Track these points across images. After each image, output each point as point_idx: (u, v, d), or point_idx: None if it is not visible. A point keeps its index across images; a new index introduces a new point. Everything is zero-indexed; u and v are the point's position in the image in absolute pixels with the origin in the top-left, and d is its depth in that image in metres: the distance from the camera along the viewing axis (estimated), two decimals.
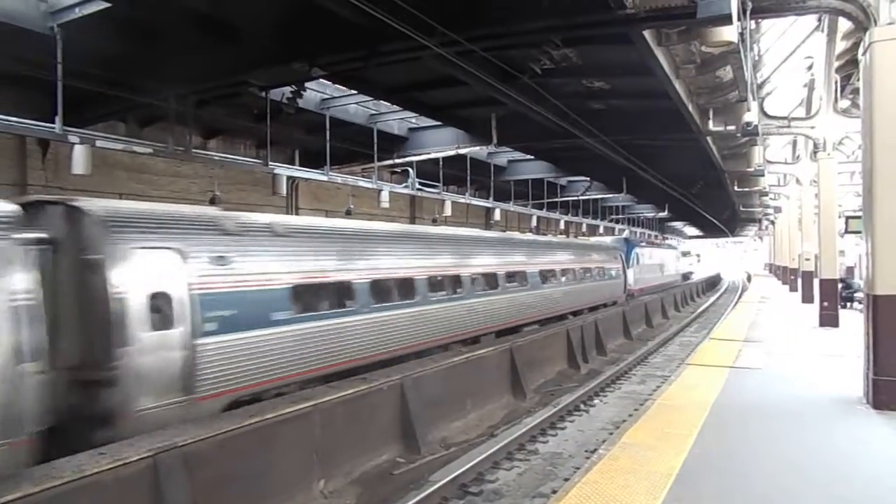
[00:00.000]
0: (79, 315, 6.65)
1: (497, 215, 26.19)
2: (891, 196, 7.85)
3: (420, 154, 18.34)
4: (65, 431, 5.98)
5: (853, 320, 16.00)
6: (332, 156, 16.13)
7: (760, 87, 18.22)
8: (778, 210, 39.95)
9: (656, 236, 53.69)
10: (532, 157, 23.35)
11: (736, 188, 28.02)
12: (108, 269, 6.61)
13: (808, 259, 24.67)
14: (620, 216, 41.93)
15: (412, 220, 24.95)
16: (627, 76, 12.51)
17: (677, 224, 64.65)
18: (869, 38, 8.10)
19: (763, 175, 23.32)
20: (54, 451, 5.47)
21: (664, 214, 42.76)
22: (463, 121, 16.13)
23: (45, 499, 4.66)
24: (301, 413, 7.13)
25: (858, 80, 10.20)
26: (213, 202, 14.67)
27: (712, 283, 56.39)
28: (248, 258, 8.21)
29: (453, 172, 21.83)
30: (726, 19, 7.74)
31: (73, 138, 10.79)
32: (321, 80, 12.79)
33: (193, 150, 13.53)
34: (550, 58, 10.10)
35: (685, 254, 65.41)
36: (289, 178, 16.16)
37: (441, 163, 19.88)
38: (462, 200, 23.76)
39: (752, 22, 11.05)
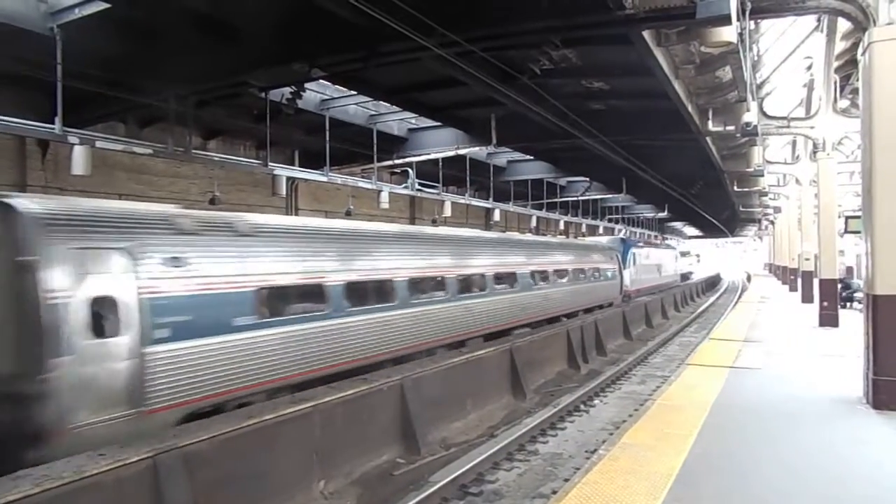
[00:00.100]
0: (10, 322, 6.20)
1: (497, 216, 26.20)
2: (890, 196, 7.85)
3: (420, 155, 18.36)
4: None
5: (853, 320, 16.00)
6: (331, 156, 16.15)
7: (760, 87, 18.23)
8: (777, 210, 39.98)
9: (656, 237, 53.67)
10: (531, 157, 23.36)
11: (735, 188, 28.03)
12: (42, 272, 6.10)
13: (807, 259, 24.69)
14: (618, 216, 41.81)
15: (412, 221, 24.96)
16: (627, 76, 12.52)
17: (677, 224, 64.72)
18: (868, 38, 8.10)
19: (762, 175, 23.33)
20: None
21: (664, 215, 42.79)
22: (462, 121, 16.14)
23: (45, 499, 4.65)
24: (301, 413, 7.12)
25: (858, 80, 10.20)
26: (212, 203, 14.71)
27: (712, 283, 56.38)
28: (208, 259, 7.70)
29: (453, 173, 21.84)
30: (725, 20, 7.76)
31: (72, 139, 10.80)
32: (321, 80, 12.80)
33: (193, 151, 13.54)
34: (550, 58, 10.10)
35: (684, 254, 65.35)
36: (288, 178, 16.17)
37: (441, 163, 19.90)
38: (462, 201, 23.78)
39: (752, 22, 11.07)
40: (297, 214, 18.59)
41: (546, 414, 10.48)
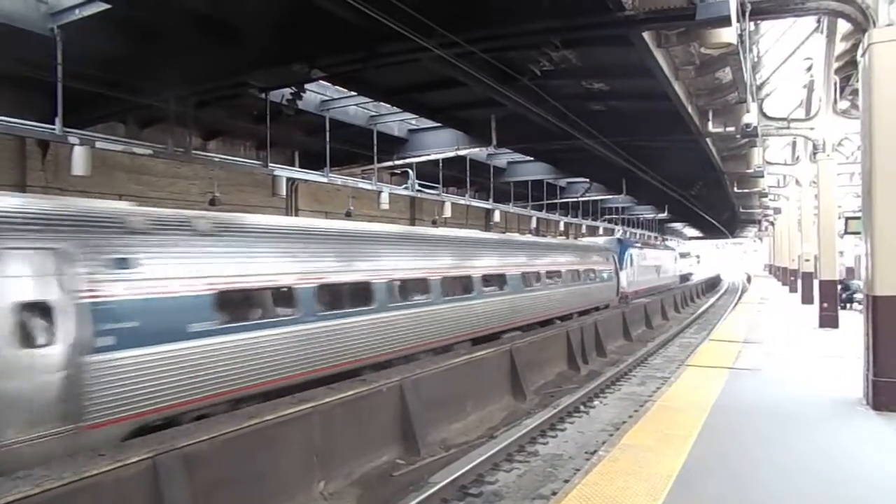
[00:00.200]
0: None
1: (497, 217, 26.19)
2: (890, 197, 7.85)
3: (420, 155, 18.35)
4: None
5: (853, 321, 16.00)
6: (331, 157, 16.14)
7: (760, 88, 18.25)
8: (777, 211, 39.99)
9: (656, 237, 53.64)
10: (532, 158, 23.34)
11: (735, 189, 28.03)
12: None
13: (807, 260, 24.68)
14: (617, 216, 41.71)
15: (412, 222, 24.97)
16: (627, 78, 12.53)
17: (677, 225, 64.66)
18: (868, 39, 8.11)
19: (762, 176, 23.28)
20: None
21: (664, 216, 42.74)
22: (462, 122, 16.14)
23: (45, 500, 4.65)
24: (301, 414, 7.12)
25: (857, 81, 10.20)
26: (212, 203, 14.70)
27: (712, 284, 56.43)
28: (161, 260, 7.21)
29: (453, 174, 21.84)
30: (725, 21, 7.76)
31: (72, 139, 10.80)
32: (321, 81, 12.79)
33: (193, 152, 13.53)
34: (550, 59, 10.10)
35: (683, 255, 65.27)
36: (288, 179, 16.16)
37: (441, 164, 19.89)
38: (462, 202, 23.77)
39: (752, 23, 11.08)
40: (297, 215, 18.60)
41: (546, 415, 10.49)
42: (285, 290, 8.89)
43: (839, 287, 19.13)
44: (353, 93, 14.32)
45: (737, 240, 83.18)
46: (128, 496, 5.28)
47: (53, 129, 10.40)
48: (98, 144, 11.32)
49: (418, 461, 8.47)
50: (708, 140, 17.41)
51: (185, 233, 7.74)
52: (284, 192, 16.15)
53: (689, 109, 14.04)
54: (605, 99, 14.21)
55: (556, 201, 30.84)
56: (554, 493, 6.47)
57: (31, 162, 13.02)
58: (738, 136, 15.80)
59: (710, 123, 15.62)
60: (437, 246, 13.86)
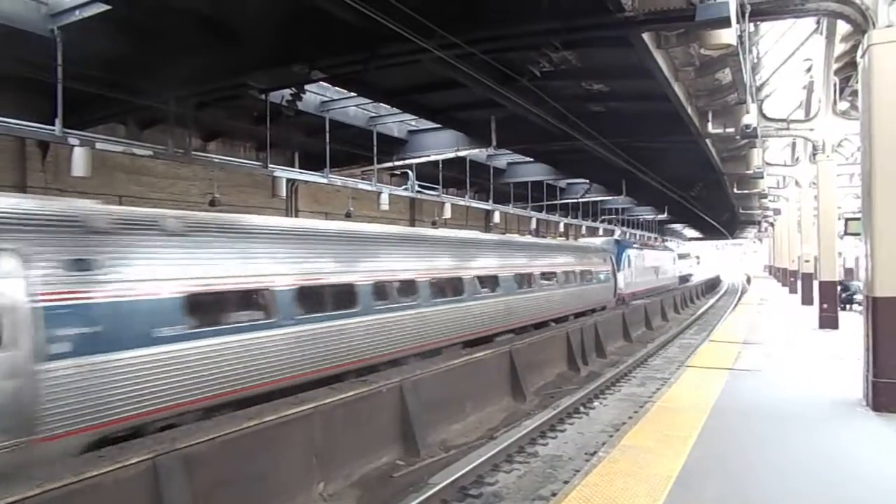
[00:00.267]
0: None
1: (497, 218, 26.20)
2: (890, 198, 7.85)
3: (420, 156, 18.36)
4: None
5: (853, 322, 16.00)
6: (331, 158, 16.15)
7: (759, 89, 18.26)
8: (777, 212, 40.00)
9: (656, 239, 53.63)
10: (531, 159, 23.35)
11: (735, 190, 28.06)
12: None
13: (807, 261, 24.69)
14: (616, 216, 41.63)
15: (412, 223, 24.97)
16: (626, 79, 12.54)
17: (677, 226, 64.68)
18: (867, 40, 8.11)
19: (762, 177, 23.30)
20: None
21: (664, 217, 42.73)
22: (462, 123, 16.15)
23: (44, 501, 4.65)
24: (301, 415, 7.12)
25: (857, 82, 10.21)
26: (212, 204, 14.71)
27: (712, 285, 56.45)
28: (126, 262, 6.85)
29: (453, 175, 21.85)
30: (725, 22, 7.78)
31: (72, 140, 10.80)
32: (321, 82, 12.80)
33: (193, 153, 13.53)
34: (550, 60, 10.12)
35: (682, 256, 65.17)
36: (288, 180, 16.18)
37: (441, 165, 19.89)
38: (462, 203, 23.77)
39: (751, 24, 11.09)
40: (296, 216, 18.60)
41: (546, 416, 10.48)
42: (262, 292, 8.53)
43: (839, 288, 19.13)
44: (353, 94, 14.33)
45: (736, 241, 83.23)
46: (128, 497, 5.27)
47: (53, 130, 10.40)
48: (98, 145, 11.32)
49: (418, 462, 8.47)
50: (707, 141, 17.43)
51: (153, 233, 7.36)
52: (284, 193, 16.18)
53: (689, 110, 14.06)
54: (604, 100, 14.23)
55: (555, 202, 30.84)
56: (554, 495, 6.47)
57: (31, 163, 13.02)
58: (738, 137, 15.83)
59: (709, 124, 15.63)
60: (426, 247, 13.55)
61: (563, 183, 30.09)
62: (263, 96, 12.48)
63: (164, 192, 15.55)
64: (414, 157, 18.47)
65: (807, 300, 23.82)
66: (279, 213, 17.82)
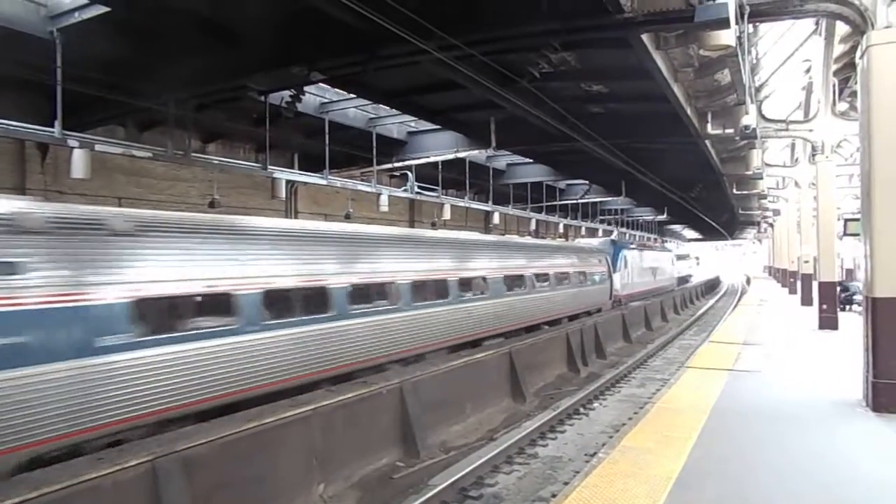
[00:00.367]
0: None
1: (496, 219, 26.21)
2: (889, 198, 7.86)
3: (419, 158, 18.37)
4: None
5: (852, 323, 16.01)
6: (331, 159, 16.17)
7: (758, 90, 18.29)
8: (777, 213, 40.03)
9: (655, 239, 53.61)
10: (531, 160, 23.37)
11: (734, 191, 28.06)
12: None
13: (807, 262, 24.70)
14: (614, 217, 41.52)
15: (411, 224, 24.97)
16: (626, 80, 12.55)
17: (676, 227, 64.71)
18: (866, 41, 8.12)
19: (761, 178, 23.34)
20: None
21: (663, 217, 42.73)
22: (462, 124, 16.16)
23: (43, 503, 4.65)
24: (301, 417, 7.12)
25: (856, 83, 10.22)
26: (212, 206, 14.70)
27: (711, 285, 56.49)
28: (63, 264, 6.33)
29: (452, 176, 21.86)
30: (724, 23, 7.79)
31: (72, 142, 10.80)
32: (320, 84, 12.81)
33: (193, 154, 13.53)
34: (549, 61, 10.12)
35: (681, 256, 65.02)
36: (288, 181, 16.17)
37: (440, 166, 19.90)
38: (461, 204, 23.77)
39: (750, 25, 11.11)
40: (296, 217, 18.60)
41: (546, 417, 10.48)
42: (224, 296, 7.96)
43: (838, 289, 19.13)
44: (352, 95, 14.33)
45: (736, 241, 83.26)
46: (127, 500, 5.27)
47: (53, 132, 10.40)
48: (97, 147, 11.31)
49: (418, 463, 8.47)
50: (707, 142, 17.42)
51: (97, 233, 6.82)
52: (284, 195, 16.15)
53: (688, 111, 14.06)
54: (604, 101, 14.24)
55: (555, 203, 30.84)
56: (554, 496, 6.46)
57: (30, 165, 13.02)
58: (737, 137, 15.84)
59: (709, 125, 15.63)
60: (407, 248, 12.94)
61: (562, 184, 30.09)
62: (263, 98, 12.49)
63: (164, 193, 15.55)
64: (413, 159, 18.48)
65: (806, 301, 23.83)
66: (279, 215, 17.83)
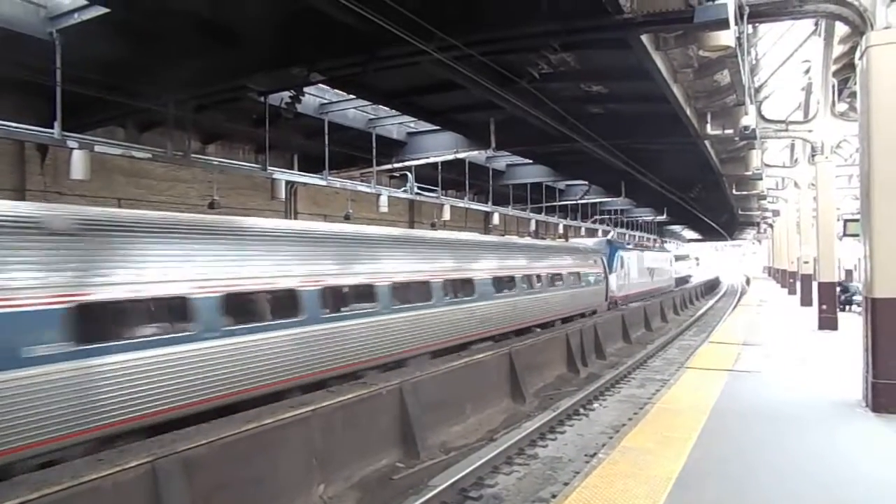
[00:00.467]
0: None
1: (496, 219, 26.22)
2: (888, 199, 7.86)
3: (419, 158, 18.38)
4: None
5: (852, 323, 16.01)
6: (330, 160, 16.17)
7: (758, 90, 18.28)
8: (776, 213, 40.04)
9: (655, 240, 53.60)
10: (531, 160, 23.39)
11: (734, 191, 28.08)
12: None
13: (806, 262, 24.71)
14: (610, 217, 41.35)
15: (411, 225, 24.97)
16: (625, 80, 12.56)
17: (676, 228, 64.74)
18: (865, 42, 8.13)
19: (761, 178, 23.35)
20: None
21: (663, 218, 42.74)
22: (461, 125, 16.17)
23: None
24: (300, 418, 7.12)
25: (855, 83, 10.23)
26: (212, 206, 14.71)
27: (711, 286, 56.52)
28: None
29: (452, 177, 21.86)
30: (723, 24, 7.79)
31: (71, 143, 10.79)
32: (320, 84, 12.81)
33: (192, 155, 13.54)
34: (549, 62, 10.12)
35: (680, 257, 64.95)
36: (287, 182, 16.17)
37: (440, 167, 19.91)
38: (461, 205, 23.78)
39: (750, 26, 11.11)
40: (296, 218, 18.61)
41: (545, 418, 10.48)
42: (178, 300, 7.39)
43: (838, 289, 19.14)
44: (351, 96, 14.33)
45: (736, 242, 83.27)
46: (127, 501, 5.27)
47: (52, 133, 10.40)
48: (97, 148, 11.31)
49: (418, 464, 8.47)
50: (706, 142, 17.43)
51: (25, 233, 6.27)
52: (283, 196, 16.16)
53: (688, 112, 14.07)
54: (603, 101, 14.25)
55: (555, 204, 30.85)
56: (554, 496, 6.46)
57: (30, 166, 13.02)
58: (737, 138, 15.85)
59: (708, 126, 15.63)
60: (387, 248, 12.26)
61: (562, 184, 30.11)
62: (262, 99, 12.49)
63: (164, 194, 15.55)
64: (413, 159, 18.49)
65: (806, 301, 23.83)
66: (278, 216, 17.83)
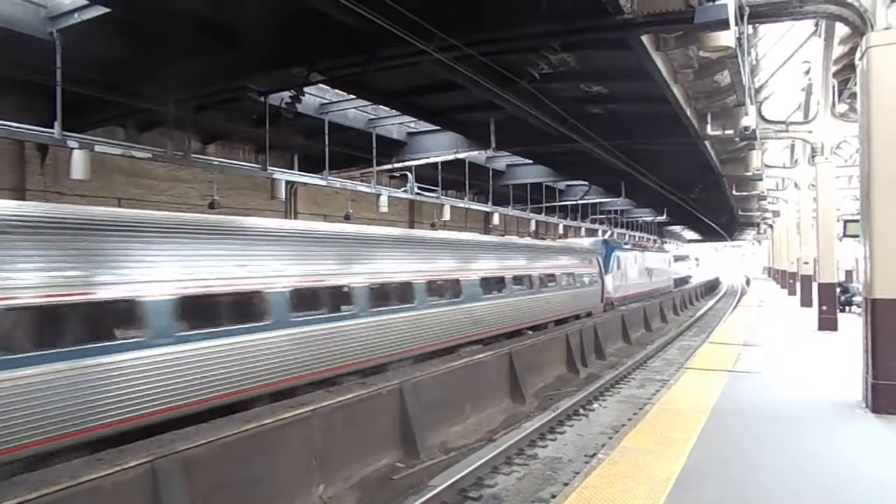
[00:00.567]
0: None
1: (496, 219, 26.22)
2: (889, 200, 7.86)
3: (419, 158, 18.38)
4: None
5: (852, 324, 16.00)
6: (331, 160, 16.17)
7: (758, 91, 18.28)
8: (776, 214, 40.03)
9: (655, 240, 53.59)
10: (531, 161, 23.39)
11: (734, 192, 28.08)
12: None
13: (806, 263, 24.70)
14: (608, 216, 41.25)
15: (411, 225, 24.97)
16: (625, 81, 12.56)
17: (676, 228, 64.76)
18: (866, 42, 8.13)
19: (761, 179, 23.35)
20: None
21: (663, 218, 42.73)
22: (462, 125, 16.17)
23: None
24: (300, 418, 7.12)
25: (856, 84, 10.22)
26: (212, 206, 14.71)
27: (711, 286, 56.56)
28: None
29: (452, 177, 21.86)
30: (724, 24, 7.79)
31: (72, 143, 10.79)
32: (320, 84, 12.81)
33: (192, 155, 13.54)
34: (549, 62, 10.12)
35: (679, 258, 64.82)
36: (288, 182, 16.17)
37: (440, 167, 19.91)
38: (461, 205, 23.78)
39: (750, 27, 11.11)
40: (296, 218, 18.60)
41: (545, 418, 10.49)
42: (121, 304, 6.82)
43: (838, 290, 19.13)
44: (352, 96, 14.34)
45: (736, 243, 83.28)
46: (126, 501, 5.27)
47: (52, 133, 10.40)
48: (97, 148, 11.31)
49: (418, 464, 8.47)
50: (706, 143, 17.43)
51: None
52: (284, 196, 16.16)
53: (688, 112, 14.07)
54: (603, 102, 14.24)
55: (555, 204, 30.85)
56: (553, 497, 6.46)
57: (30, 166, 13.02)
58: (737, 139, 15.84)
59: (708, 126, 15.63)
60: (364, 247, 11.51)
61: (562, 185, 30.11)
62: (262, 99, 12.49)
63: (164, 194, 15.55)
64: (413, 159, 18.49)
65: (806, 302, 23.82)
66: (278, 216, 17.83)
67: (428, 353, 11.98)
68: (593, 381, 14.13)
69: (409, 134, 18.30)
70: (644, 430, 7.31)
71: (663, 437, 6.94)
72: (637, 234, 47.39)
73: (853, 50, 10.17)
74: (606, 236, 36.22)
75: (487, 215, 26.76)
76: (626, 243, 36.33)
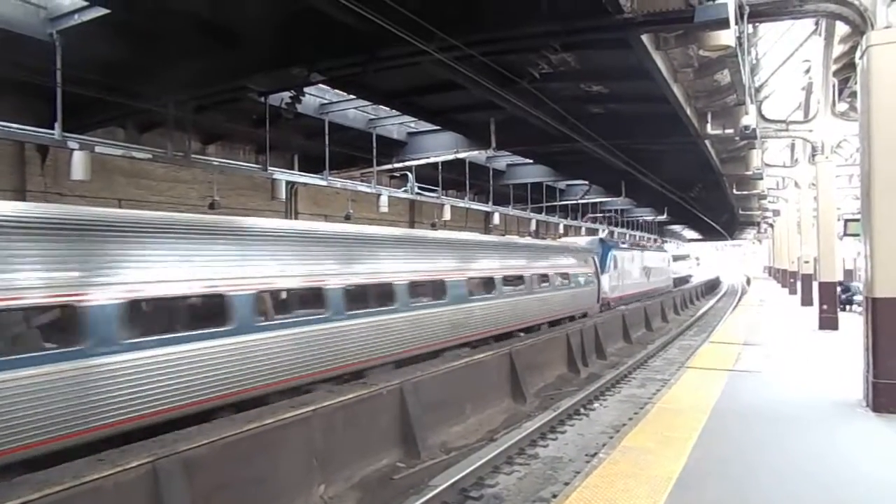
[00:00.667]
0: None
1: (496, 219, 26.23)
2: (889, 199, 7.86)
3: (419, 158, 18.40)
4: None
5: (852, 323, 16.00)
6: (331, 160, 16.18)
7: (758, 90, 18.30)
8: (777, 213, 40.03)
9: (655, 240, 53.58)
10: (531, 160, 23.40)
11: (734, 191, 28.08)
12: None
13: (807, 262, 24.70)
14: (606, 215, 41.04)
15: (411, 225, 24.97)
16: (626, 80, 12.56)
17: (676, 227, 64.74)
18: (866, 41, 8.13)
19: (761, 178, 23.36)
20: None
21: (663, 218, 42.70)
22: (462, 125, 16.17)
23: None
24: (301, 418, 7.12)
25: (856, 83, 10.23)
26: (212, 207, 14.71)
27: (711, 286, 56.56)
28: None
29: (452, 177, 21.87)
30: (724, 23, 7.80)
31: (72, 144, 10.80)
32: (320, 84, 12.82)
33: (192, 156, 13.55)
34: (549, 62, 10.12)
35: (679, 257, 64.65)
36: (288, 182, 16.18)
37: (440, 167, 19.92)
38: (461, 204, 23.79)
39: (750, 26, 11.12)
40: (296, 218, 18.61)
41: (546, 417, 10.48)
42: (71, 308, 6.31)
43: (839, 289, 19.14)
44: (352, 96, 14.34)
45: (736, 242, 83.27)
46: (128, 501, 5.28)
47: (53, 134, 10.41)
48: (97, 149, 11.32)
49: (418, 464, 8.47)
50: (707, 142, 17.44)
51: None
52: (284, 196, 16.17)
53: (688, 111, 14.07)
54: (604, 101, 14.25)
55: (555, 204, 30.84)
56: (554, 496, 6.46)
57: (30, 167, 13.02)
58: (737, 138, 15.86)
59: (708, 125, 15.64)
60: (340, 246, 10.82)
61: (562, 184, 30.12)
62: (263, 99, 12.49)
63: (164, 195, 15.55)
64: (413, 159, 18.50)
65: (806, 301, 23.84)
66: (279, 216, 17.83)
67: (407, 359, 11.24)
68: (594, 380, 14.13)
69: (410, 134, 18.31)
70: (645, 429, 7.31)
71: (664, 436, 6.94)
72: (637, 233, 47.36)
73: (853, 49, 10.18)
74: (603, 235, 35.91)
75: (488, 215, 26.76)
76: (623, 242, 36.16)
